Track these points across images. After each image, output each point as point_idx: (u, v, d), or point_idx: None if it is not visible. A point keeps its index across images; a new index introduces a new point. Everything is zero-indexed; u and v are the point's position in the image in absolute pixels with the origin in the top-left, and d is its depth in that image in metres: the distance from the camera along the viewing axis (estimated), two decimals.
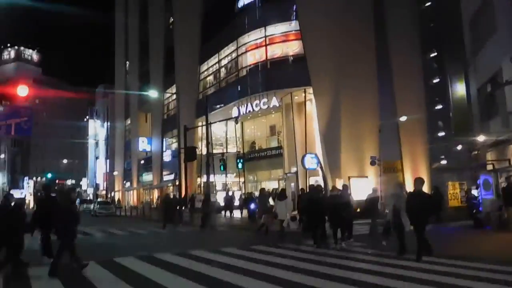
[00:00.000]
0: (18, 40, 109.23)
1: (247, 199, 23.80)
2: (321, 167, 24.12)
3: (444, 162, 28.11)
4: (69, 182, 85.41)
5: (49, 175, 65.62)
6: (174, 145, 38.77)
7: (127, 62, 57.00)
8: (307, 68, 25.68)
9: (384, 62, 25.79)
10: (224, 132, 37.34)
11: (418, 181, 9.39)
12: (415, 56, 27.17)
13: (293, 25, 27.84)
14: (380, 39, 25.94)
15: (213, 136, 37.23)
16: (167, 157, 42.23)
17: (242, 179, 34.49)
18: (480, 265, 8.20)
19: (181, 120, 26.54)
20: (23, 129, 16.11)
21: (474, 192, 19.06)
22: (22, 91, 14.36)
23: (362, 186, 20.83)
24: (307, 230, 12.49)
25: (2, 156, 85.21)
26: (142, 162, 50.26)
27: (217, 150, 33.67)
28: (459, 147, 23.57)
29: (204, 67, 36.74)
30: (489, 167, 16.42)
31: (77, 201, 48.86)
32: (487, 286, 6.69)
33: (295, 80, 27.17)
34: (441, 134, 28.10)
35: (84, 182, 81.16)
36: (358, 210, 15.50)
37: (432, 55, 28.75)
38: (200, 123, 31.86)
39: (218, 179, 34.40)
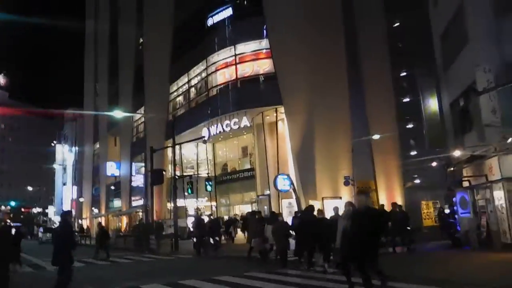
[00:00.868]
0: None
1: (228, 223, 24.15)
2: (294, 189, 23.26)
3: (418, 181, 27.72)
4: (35, 210, 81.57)
5: (13, 203, 62.39)
6: (144, 169, 37.26)
7: (96, 84, 55.55)
8: (278, 86, 25.10)
9: (356, 80, 25.42)
10: (195, 154, 36.26)
11: (362, 196, 7.67)
12: (386, 74, 26.95)
13: (264, 43, 27.40)
14: (351, 57, 25.66)
15: (184, 158, 36.13)
16: (136, 181, 40.47)
17: (214, 203, 33.22)
18: None
19: (150, 142, 25.54)
20: None
21: (447, 210, 18.59)
22: None
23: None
24: (298, 254, 11.95)
25: None
26: (112, 187, 48.26)
27: (188, 173, 32.38)
28: (434, 164, 23.19)
29: (174, 87, 35.77)
30: (465, 184, 15.86)
31: (40, 229, 46.57)
32: None
33: (266, 99, 26.59)
34: (414, 152, 27.73)
35: (51, 210, 77.60)
36: None
37: (403, 74, 28.67)
38: (169, 145, 30.67)
39: (189, 204, 33.05)
